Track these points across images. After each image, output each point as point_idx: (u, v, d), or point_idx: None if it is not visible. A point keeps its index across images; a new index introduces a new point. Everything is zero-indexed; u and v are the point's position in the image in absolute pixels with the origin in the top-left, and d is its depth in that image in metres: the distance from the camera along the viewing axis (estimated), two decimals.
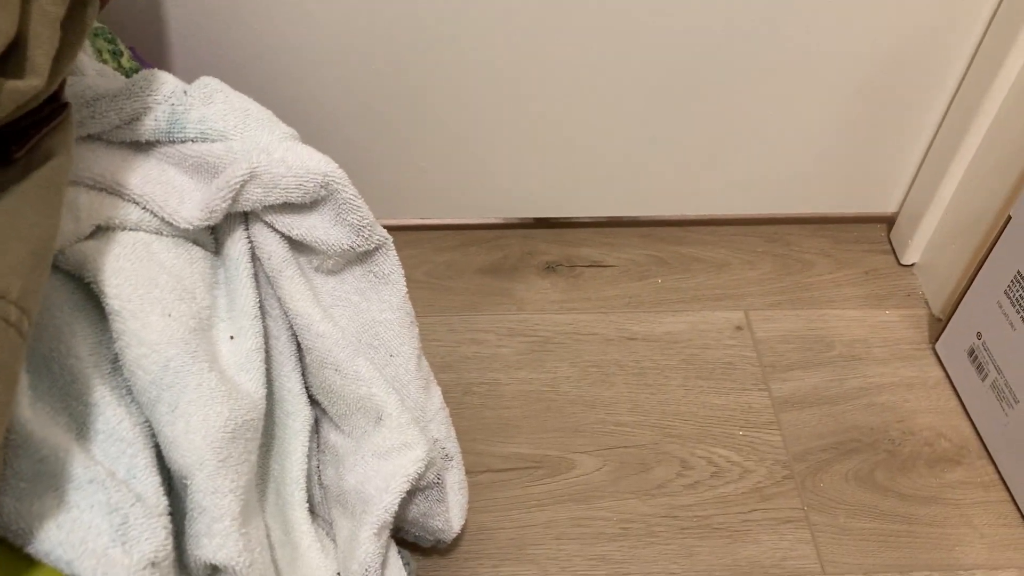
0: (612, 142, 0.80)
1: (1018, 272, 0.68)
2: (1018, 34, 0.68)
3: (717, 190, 0.85)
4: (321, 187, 0.51)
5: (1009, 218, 0.68)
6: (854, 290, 0.84)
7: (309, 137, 0.76)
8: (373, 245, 0.54)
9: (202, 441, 0.43)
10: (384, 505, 0.49)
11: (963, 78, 0.75)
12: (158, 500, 0.41)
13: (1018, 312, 0.68)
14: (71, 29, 0.38)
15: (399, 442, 0.51)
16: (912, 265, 0.86)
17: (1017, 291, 0.68)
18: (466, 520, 0.66)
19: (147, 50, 0.68)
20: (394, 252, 0.56)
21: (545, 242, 0.87)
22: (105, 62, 0.58)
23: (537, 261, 0.85)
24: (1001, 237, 0.69)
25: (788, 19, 0.71)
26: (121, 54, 0.60)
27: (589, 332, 0.79)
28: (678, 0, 0.69)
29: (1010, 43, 0.69)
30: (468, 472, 0.69)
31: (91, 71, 0.51)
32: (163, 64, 0.70)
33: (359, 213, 0.52)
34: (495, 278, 0.83)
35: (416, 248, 0.85)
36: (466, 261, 0.85)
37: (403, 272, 0.57)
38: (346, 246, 0.53)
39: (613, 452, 0.71)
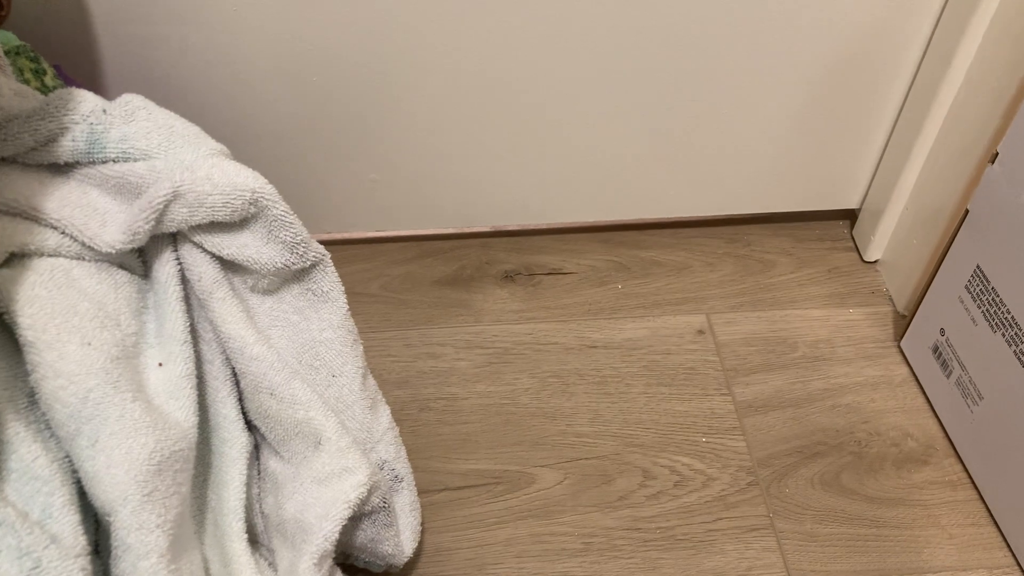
0: (568, 148, 0.78)
1: (977, 267, 0.67)
2: (966, 29, 0.67)
3: (676, 192, 0.83)
4: (250, 204, 0.49)
5: (967, 212, 0.67)
6: (817, 289, 0.83)
7: (250, 153, 0.75)
8: (309, 262, 0.52)
9: (125, 475, 0.41)
10: (324, 534, 0.47)
11: (916, 72, 0.74)
12: (75, 540, 0.39)
13: (979, 307, 0.67)
14: None
15: (339, 467, 0.49)
16: (876, 262, 0.85)
17: (977, 286, 0.67)
18: (422, 541, 0.64)
19: (76, 67, 0.66)
20: (332, 269, 0.54)
21: (503, 251, 0.85)
22: (27, 81, 0.56)
23: (495, 270, 0.84)
24: (959, 232, 0.68)
25: (739, 20, 0.70)
26: (45, 72, 0.58)
27: (549, 341, 0.78)
28: (627, 8, 0.68)
29: (959, 38, 0.68)
30: (425, 491, 0.67)
31: (7, 91, 0.49)
32: (93, 81, 0.67)
33: (292, 230, 0.51)
34: (452, 289, 0.82)
35: (371, 261, 0.83)
36: (422, 273, 0.83)
37: (343, 289, 0.55)
38: (280, 264, 0.51)
39: (574, 464, 0.70)
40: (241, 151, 0.74)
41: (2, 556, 0.36)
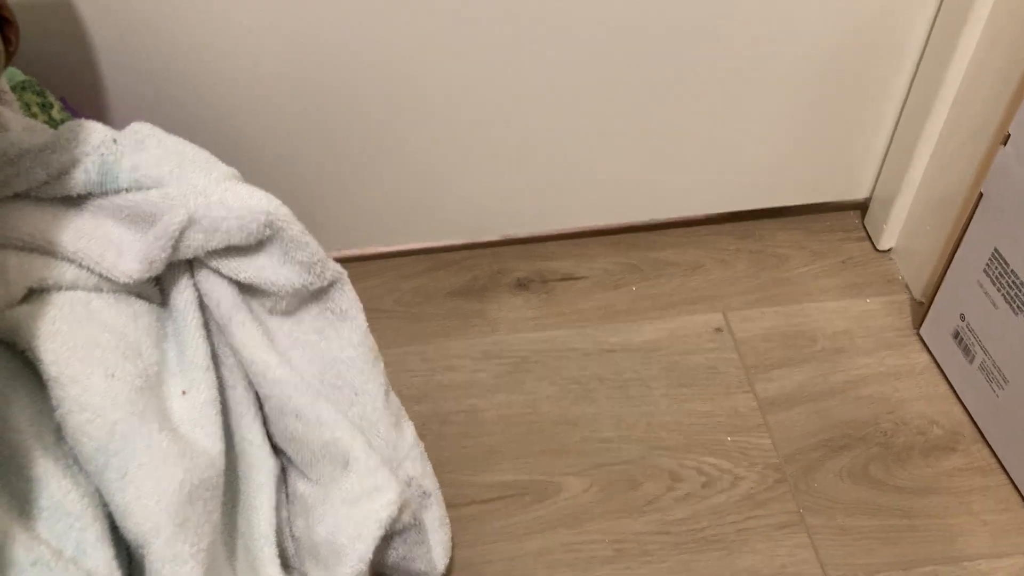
0: (573, 152, 0.78)
1: (995, 250, 0.66)
2: (969, 11, 0.67)
3: (685, 190, 0.83)
4: (265, 227, 0.49)
5: (981, 195, 0.67)
6: (832, 280, 0.82)
7: (262, 173, 0.75)
8: (327, 282, 0.52)
9: (156, 506, 0.41)
10: (358, 555, 0.47)
11: (920, 58, 0.74)
12: (111, 574, 0.38)
13: (999, 290, 0.66)
14: None
15: (369, 486, 0.49)
16: (889, 250, 0.85)
17: (996, 269, 0.66)
18: (453, 556, 0.63)
19: (82, 99, 0.66)
20: (350, 287, 0.54)
21: (515, 258, 0.85)
22: (35, 115, 0.56)
23: (508, 279, 0.83)
24: (975, 215, 0.68)
25: (741, 14, 0.69)
26: (51, 106, 0.58)
27: (567, 348, 0.77)
28: (629, 6, 0.67)
29: (962, 20, 0.67)
30: (452, 505, 0.66)
31: (17, 126, 0.49)
32: (100, 111, 0.67)
33: (308, 250, 0.50)
34: (466, 300, 0.81)
35: (382, 276, 0.83)
36: (435, 285, 0.83)
37: (362, 307, 0.55)
38: (298, 285, 0.51)
39: (600, 471, 0.69)
40: (251, 174, 0.74)
41: None
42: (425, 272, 0.84)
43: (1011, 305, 0.65)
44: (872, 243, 0.85)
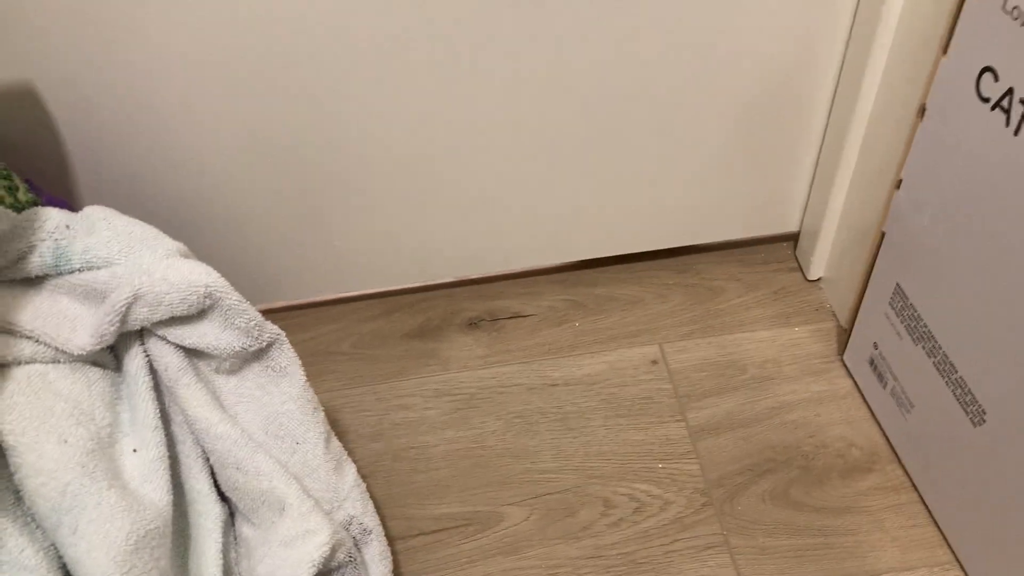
0: (521, 197, 0.84)
1: (897, 284, 0.71)
2: (866, 66, 0.72)
3: (626, 229, 0.88)
4: (205, 298, 0.54)
5: (883, 234, 0.72)
6: (764, 311, 0.88)
7: (220, 233, 0.80)
8: (265, 343, 0.57)
9: (104, 557, 0.46)
10: None
11: (831, 105, 0.79)
12: None
13: (902, 322, 0.71)
14: None
15: (302, 529, 0.54)
16: (818, 280, 0.90)
17: (899, 303, 0.71)
18: None
19: (49, 178, 0.72)
20: (288, 345, 0.59)
21: (467, 299, 0.91)
22: (1, 199, 0.62)
23: (460, 319, 0.89)
24: (879, 252, 0.73)
25: (671, 68, 0.75)
26: (17, 188, 0.63)
27: (512, 383, 0.83)
28: (562, 58, 0.73)
29: (862, 74, 0.73)
30: (400, 537, 0.72)
31: None
32: (67, 188, 0.73)
33: (245, 316, 0.56)
34: (420, 341, 0.87)
35: (341, 321, 0.89)
36: (391, 328, 0.88)
37: (300, 363, 0.60)
38: (238, 348, 0.56)
39: (539, 500, 0.74)
40: (211, 233, 0.80)
41: None
42: (381, 315, 0.89)
43: (912, 336, 0.70)
44: (803, 273, 0.90)
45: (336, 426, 0.80)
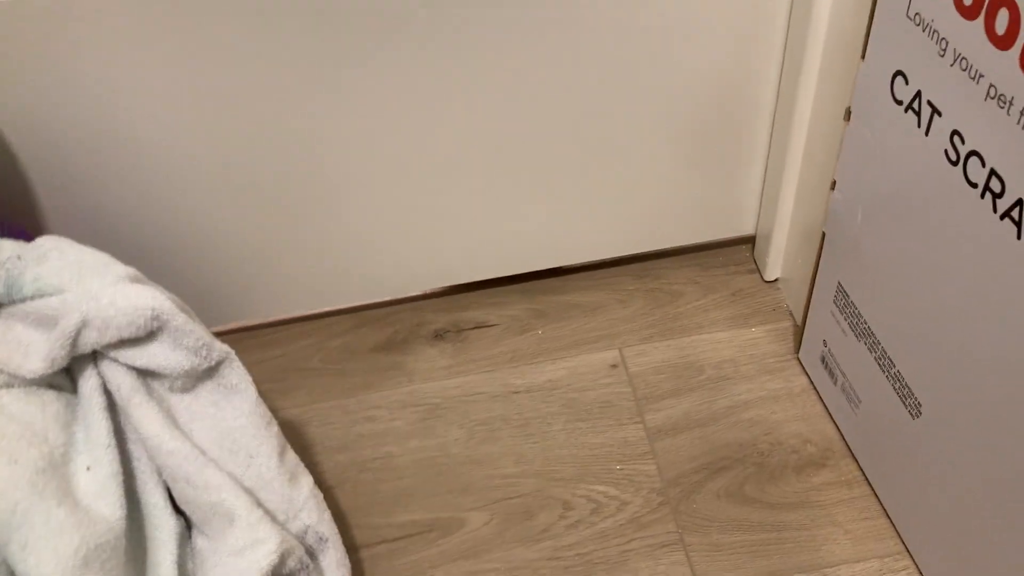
0: (484, 209, 0.86)
1: (839, 283, 0.73)
2: (801, 70, 0.74)
3: (586, 238, 0.90)
4: (152, 320, 0.57)
5: (824, 234, 0.74)
6: (721, 312, 0.89)
7: (190, 255, 0.83)
8: (214, 361, 0.60)
9: (53, 570, 0.49)
10: None
11: (775, 106, 0.81)
12: None
13: (846, 319, 0.73)
14: None
15: (251, 539, 0.56)
16: (775, 280, 0.92)
17: (841, 300, 0.73)
18: None
19: (15, 207, 0.75)
20: (238, 363, 0.62)
21: (434, 311, 0.93)
22: None
23: (426, 331, 0.91)
24: (822, 252, 0.75)
25: (616, 79, 0.77)
26: None
27: (475, 392, 0.85)
28: (517, 79, 0.75)
29: (797, 78, 0.75)
30: (365, 545, 0.74)
31: None
32: (32, 216, 0.76)
33: (193, 336, 0.58)
34: (387, 354, 0.89)
35: (311, 337, 0.91)
36: (359, 342, 0.90)
37: (251, 379, 0.62)
38: (187, 367, 0.59)
39: (500, 504, 0.76)
40: (179, 259, 0.83)
41: None
42: (350, 330, 0.91)
43: (855, 332, 0.72)
44: (760, 275, 0.92)
45: (303, 440, 0.82)
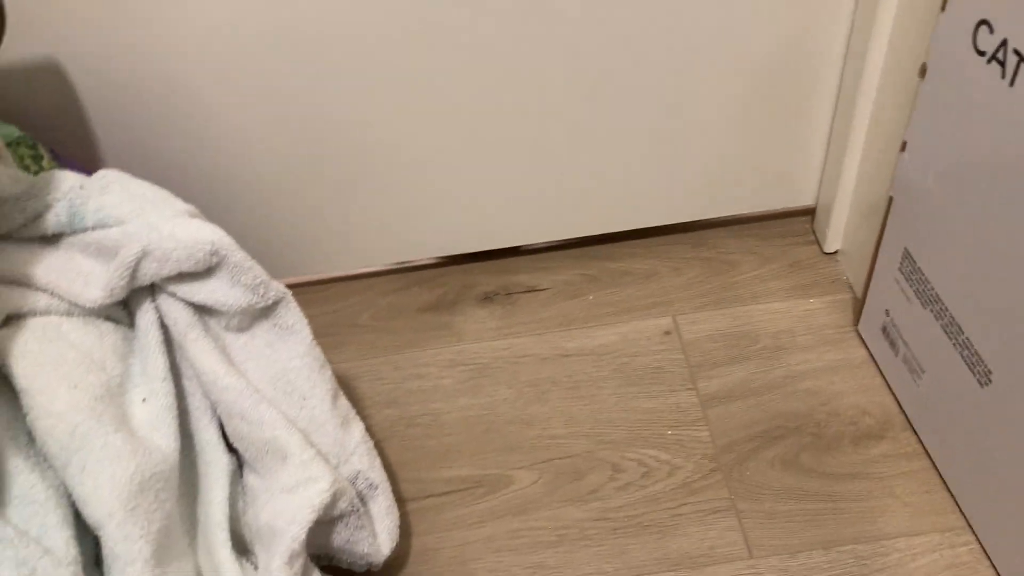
0: (536, 170, 0.85)
1: (906, 249, 0.71)
2: (872, 31, 0.72)
3: (640, 203, 0.89)
4: (211, 255, 0.56)
5: (891, 199, 0.72)
6: (779, 283, 0.87)
7: (243, 208, 0.83)
8: (271, 300, 0.59)
9: (110, 494, 0.49)
10: (292, 535, 0.54)
11: (841, 75, 0.79)
12: (67, 552, 0.46)
13: (911, 286, 0.71)
14: None
15: (304, 477, 0.56)
16: (835, 252, 0.89)
17: (908, 267, 0.71)
18: (410, 543, 0.70)
19: (75, 149, 0.75)
20: (295, 304, 0.61)
21: (483, 274, 0.92)
22: (27, 167, 0.65)
23: (476, 293, 0.90)
24: (888, 218, 0.73)
25: (678, 39, 0.75)
26: (42, 157, 0.67)
27: (525, 354, 0.84)
28: (572, 32, 0.74)
29: (867, 40, 0.72)
30: (412, 498, 0.74)
31: (5, 179, 0.58)
32: (92, 155, 0.76)
33: (251, 273, 0.58)
34: (436, 314, 0.88)
35: (362, 295, 0.91)
36: (409, 301, 0.90)
37: (307, 322, 0.62)
38: (244, 304, 0.58)
39: (548, 464, 0.75)
40: (233, 213, 0.83)
41: (3, 567, 0.44)
42: (400, 289, 0.91)
43: (921, 300, 0.70)
44: (820, 246, 0.90)
45: (353, 393, 0.82)
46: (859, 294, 0.84)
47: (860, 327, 0.82)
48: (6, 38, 0.62)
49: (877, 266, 0.76)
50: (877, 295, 0.77)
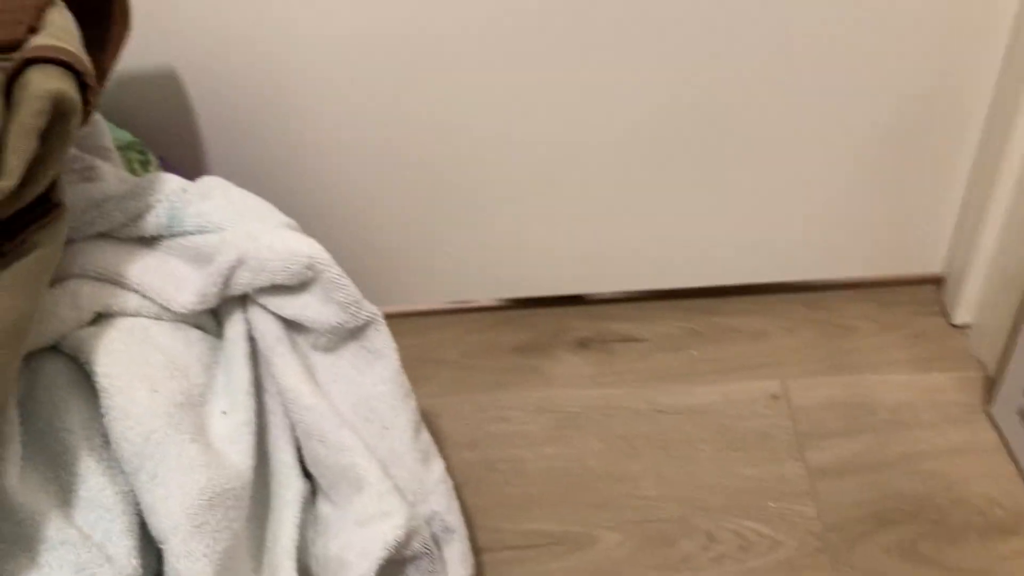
0: (640, 215, 0.81)
1: None
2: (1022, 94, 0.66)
3: (751, 257, 0.84)
4: (307, 268, 0.54)
5: None
6: (900, 353, 0.81)
7: (340, 232, 0.82)
8: (362, 321, 0.57)
9: (178, 507, 0.46)
10: (360, 571, 0.50)
11: (984, 130, 0.73)
12: (128, 562, 0.44)
13: None
14: (53, 138, 0.43)
15: (379, 510, 0.52)
16: (964, 326, 0.82)
17: None
18: None
19: (183, 158, 0.75)
20: (385, 328, 0.58)
21: (578, 318, 0.88)
22: (134, 171, 0.65)
23: (569, 338, 0.86)
24: None
25: (806, 87, 0.71)
26: (150, 163, 0.66)
27: (619, 406, 0.79)
28: (691, 80, 0.71)
29: (1018, 98, 0.67)
30: (487, 549, 0.69)
31: (111, 178, 0.57)
32: (198, 163, 0.76)
33: (345, 291, 0.55)
34: (526, 356, 0.85)
35: (450, 330, 0.88)
36: (499, 340, 0.87)
37: (395, 347, 0.59)
38: (335, 323, 0.56)
39: (637, 526, 0.70)
40: (331, 235, 0.81)
41: (63, 571, 0.41)
42: (491, 327, 0.88)
43: None
44: (947, 318, 0.83)
45: (432, 431, 0.78)
46: (991, 372, 0.77)
47: (992, 408, 0.74)
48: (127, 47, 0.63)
49: (1018, 346, 0.69)
50: (1016, 376, 0.70)
